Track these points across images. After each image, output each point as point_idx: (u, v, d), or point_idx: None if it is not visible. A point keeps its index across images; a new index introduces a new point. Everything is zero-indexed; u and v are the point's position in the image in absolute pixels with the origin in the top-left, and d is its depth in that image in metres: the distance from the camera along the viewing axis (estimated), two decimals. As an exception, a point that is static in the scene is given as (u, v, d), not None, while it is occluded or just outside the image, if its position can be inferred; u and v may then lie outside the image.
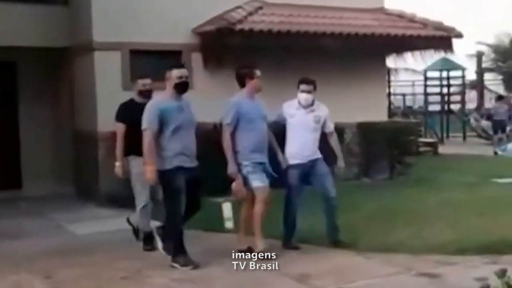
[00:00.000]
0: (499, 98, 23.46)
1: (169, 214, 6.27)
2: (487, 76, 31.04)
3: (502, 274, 2.81)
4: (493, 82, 33.99)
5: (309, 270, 6.05)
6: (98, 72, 10.96)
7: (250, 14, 11.82)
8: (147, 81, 7.33)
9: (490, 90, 32.24)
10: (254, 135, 6.56)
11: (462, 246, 6.67)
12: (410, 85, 32.85)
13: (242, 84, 6.73)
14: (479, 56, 28.73)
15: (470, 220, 7.95)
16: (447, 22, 13.15)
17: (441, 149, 18.32)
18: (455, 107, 25.95)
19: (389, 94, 24.75)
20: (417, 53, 13.67)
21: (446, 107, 24.80)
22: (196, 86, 11.01)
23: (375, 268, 6.16)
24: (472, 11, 60.96)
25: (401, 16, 13.33)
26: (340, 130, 12.25)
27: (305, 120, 6.98)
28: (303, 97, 7.03)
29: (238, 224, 6.85)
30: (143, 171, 6.41)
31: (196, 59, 11.67)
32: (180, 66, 6.58)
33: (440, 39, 12.89)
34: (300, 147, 6.89)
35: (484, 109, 25.57)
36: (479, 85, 27.20)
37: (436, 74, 26.33)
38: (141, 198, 7.06)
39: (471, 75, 28.51)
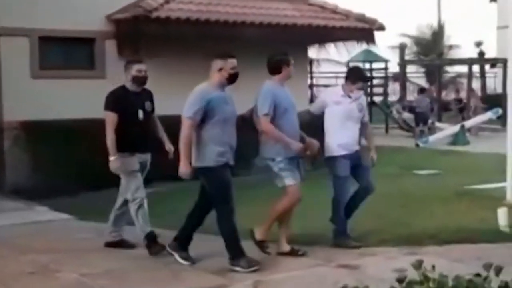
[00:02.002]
0: (421, 90, 24.28)
1: (222, 215, 6.00)
2: (410, 68, 31.99)
3: (418, 265, 2.90)
4: (416, 74, 35.12)
5: (225, 264, 6.12)
6: (3, 59, 10.70)
7: (167, 1, 11.82)
8: (143, 66, 6.75)
9: (412, 83, 33.30)
10: (289, 126, 6.35)
11: (382, 238, 6.94)
12: (333, 77, 33.51)
13: (277, 71, 6.46)
14: (402, 48, 29.52)
15: (391, 212, 8.27)
16: (370, 14, 13.56)
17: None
18: (377, 99, 26.67)
19: (311, 86, 25.22)
20: (339, 44, 14.02)
21: (368, 99, 25.45)
22: (110, 75, 10.94)
23: (295, 260, 6.31)
24: (395, 3, 62.52)
25: (323, 7, 13.64)
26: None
27: (351, 108, 6.86)
28: (356, 94, 6.92)
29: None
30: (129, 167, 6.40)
31: (110, 47, 11.59)
32: (232, 56, 6.28)
33: (362, 30, 13.29)
34: (348, 137, 6.81)
35: (407, 101, 26.34)
36: (401, 77, 27.99)
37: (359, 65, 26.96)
38: (137, 196, 6.58)
39: (394, 67, 29.34)
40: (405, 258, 5.99)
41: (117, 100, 6.60)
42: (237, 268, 5.91)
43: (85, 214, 8.70)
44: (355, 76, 6.99)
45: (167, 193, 10.05)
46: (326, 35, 13.16)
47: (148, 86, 6.88)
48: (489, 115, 20.77)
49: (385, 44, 22.03)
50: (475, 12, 54.99)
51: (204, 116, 5.90)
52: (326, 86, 32.30)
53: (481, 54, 30.43)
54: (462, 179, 11.05)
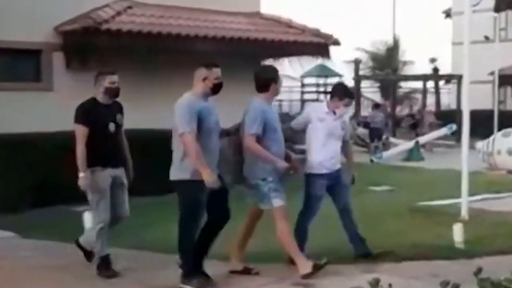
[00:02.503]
0: (376, 106, 24.59)
1: (186, 229, 5.91)
2: (364, 83, 32.40)
3: (375, 283, 2.90)
4: (370, 89, 35.57)
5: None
6: None
7: (119, 13, 11.74)
8: (116, 77, 6.53)
9: (367, 98, 33.71)
10: (277, 145, 6.25)
11: (339, 255, 6.89)
12: (287, 91, 33.73)
13: (265, 89, 6.29)
14: (357, 63, 29.96)
15: (323, 230, 8.19)
16: (324, 28, 13.67)
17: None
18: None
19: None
20: (294, 59, 14.10)
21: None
22: (57, 88, 10.78)
23: (247, 278, 6.26)
24: (349, 18, 63.45)
25: (278, 21, 13.71)
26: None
27: (334, 126, 6.78)
28: (342, 110, 6.81)
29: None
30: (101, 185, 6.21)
31: (58, 59, 11.42)
32: (216, 65, 6.18)
33: (318, 45, 13.39)
34: (330, 156, 6.73)
35: (361, 116, 26.68)
36: (356, 92, 28.35)
37: (313, 80, 27.27)
38: (102, 216, 6.35)
39: (348, 82, 29.68)
40: (361, 276, 6.01)
41: (88, 113, 6.35)
42: (187, 287, 5.82)
43: (29, 231, 8.48)
44: (342, 92, 6.89)
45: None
46: (280, 49, 13.21)
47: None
48: (444, 131, 21.12)
49: (340, 59, 22.31)
50: (430, 28, 56.21)
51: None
52: (279, 101, 32.73)
53: (435, 70, 31.03)
54: (417, 195, 11.17)
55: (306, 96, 26.71)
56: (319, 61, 14.75)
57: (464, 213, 8.78)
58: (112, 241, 7.37)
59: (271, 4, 15.58)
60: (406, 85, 35.25)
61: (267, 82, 6.31)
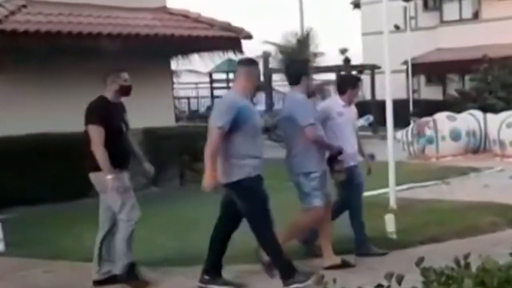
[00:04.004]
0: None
1: (263, 231, 5.95)
2: (276, 77, 32.78)
3: (320, 279, 3.00)
4: (282, 83, 36.03)
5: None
6: None
7: (13, 13, 11.46)
8: (127, 75, 6.49)
9: (279, 92, 34.11)
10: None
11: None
12: (194, 88, 33.75)
13: (297, 82, 6.57)
14: (265, 57, 30.28)
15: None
16: (234, 22, 13.77)
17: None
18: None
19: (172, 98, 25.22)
20: (204, 54, 14.14)
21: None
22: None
23: (177, 284, 6.38)
24: (258, 11, 64.06)
25: (186, 16, 13.71)
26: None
27: (352, 117, 7.23)
28: (355, 96, 7.24)
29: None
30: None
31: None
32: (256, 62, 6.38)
33: (228, 40, 13.46)
34: (354, 147, 7.10)
35: (275, 110, 26.98)
36: (267, 87, 28.65)
37: (222, 76, 27.39)
38: (133, 216, 6.26)
39: (261, 76, 29.99)
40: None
41: (102, 113, 6.26)
42: (297, 285, 5.78)
43: None
44: (353, 82, 7.37)
45: (19, 220, 9.73)
46: (190, 45, 13.23)
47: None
48: (360, 122, 21.64)
49: (251, 53, 22.46)
50: (339, 19, 57.43)
51: (232, 126, 5.94)
52: (188, 98, 32.70)
53: (347, 60, 31.76)
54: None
55: (216, 92, 26.78)
56: (230, 55, 14.80)
57: (392, 203, 9.10)
58: (27, 250, 7.30)
59: (176, -3, 15.49)
60: (318, 77, 35.90)
61: (299, 74, 6.56)
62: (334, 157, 6.63)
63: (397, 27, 27.50)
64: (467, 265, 3.30)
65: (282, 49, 37.67)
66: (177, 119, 21.76)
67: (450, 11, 29.02)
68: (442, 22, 29.02)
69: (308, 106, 6.51)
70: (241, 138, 5.89)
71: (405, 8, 26.09)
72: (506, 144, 15.70)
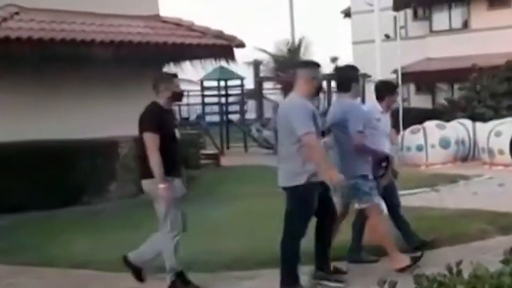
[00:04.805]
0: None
1: (295, 236, 6.04)
2: (267, 85, 32.84)
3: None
4: (273, 91, 36.09)
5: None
6: None
7: (5, 19, 11.47)
8: (178, 81, 6.57)
9: (270, 100, 34.17)
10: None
11: (260, 260, 7.07)
12: (185, 96, 33.67)
13: (348, 88, 6.71)
14: (256, 65, 30.36)
15: (264, 232, 8.33)
16: (227, 30, 13.80)
17: (223, 161, 18.99)
18: (234, 117, 27.14)
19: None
20: (196, 62, 14.17)
21: (225, 117, 25.89)
22: None
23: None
24: (251, 19, 64.19)
25: (178, 24, 13.73)
26: (115, 144, 12.41)
27: (388, 122, 7.39)
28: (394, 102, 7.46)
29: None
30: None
31: None
32: (319, 65, 6.41)
33: (221, 48, 13.49)
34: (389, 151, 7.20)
35: (265, 118, 27.04)
36: (258, 95, 28.72)
37: (213, 83, 27.39)
38: (176, 226, 6.25)
39: (252, 84, 30.03)
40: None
41: (157, 119, 6.23)
42: None
43: None
44: (391, 88, 7.55)
45: (8, 227, 9.76)
46: (182, 53, 13.26)
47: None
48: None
49: (242, 61, 22.55)
50: (331, 28, 57.59)
51: None
52: (178, 105, 32.61)
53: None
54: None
55: (207, 100, 26.79)
56: (222, 63, 14.85)
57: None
58: (15, 257, 7.29)
59: (169, 6, 15.54)
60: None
61: (348, 82, 6.68)
62: (379, 163, 6.87)
63: (387, 36, 27.59)
64: (459, 272, 3.33)
65: (274, 57, 37.81)
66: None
67: (440, 20, 29.13)
68: (432, 31, 29.12)
69: (359, 113, 6.66)
70: None
71: (395, 18, 26.17)
72: (494, 152, 15.79)
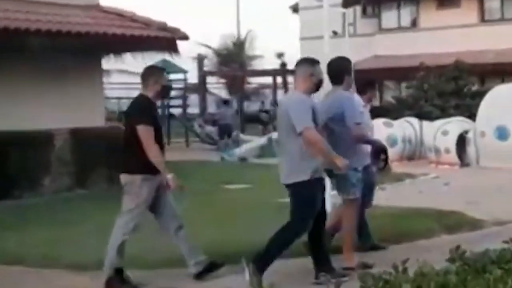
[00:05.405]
0: (225, 102, 24.99)
1: (296, 230, 6.19)
2: (211, 79, 32.77)
3: (257, 283, 3.02)
4: (217, 85, 36.07)
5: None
6: None
7: None
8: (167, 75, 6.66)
9: (213, 94, 34.16)
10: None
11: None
12: (126, 88, 33.46)
13: (340, 81, 6.83)
14: (200, 59, 30.31)
15: (207, 230, 8.27)
16: (171, 23, 13.66)
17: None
18: (176, 111, 27.00)
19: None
20: (138, 54, 14.02)
21: (166, 111, 25.71)
22: None
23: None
24: (197, 13, 63.97)
25: (120, 14, 13.54)
26: (49, 136, 12.20)
27: (368, 117, 7.55)
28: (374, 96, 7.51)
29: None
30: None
31: None
32: (318, 62, 6.49)
33: (164, 40, 13.35)
34: (369, 147, 7.14)
35: (208, 113, 27.02)
36: (201, 89, 28.66)
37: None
38: (131, 227, 6.31)
39: (195, 78, 29.93)
40: (232, 277, 6.36)
41: (150, 112, 6.33)
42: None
43: None
44: (372, 84, 7.95)
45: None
46: (124, 44, 13.09)
47: None
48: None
49: (187, 55, 22.41)
50: (279, 23, 57.87)
51: None
52: (118, 99, 32.35)
53: (283, 65, 32.00)
54: (275, 192, 11.44)
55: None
56: (165, 56, 14.74)
57: (328, 208, 9.14)
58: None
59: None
60: (255, 80, 36.08)
61: (341, 74, 6.81)
62: (377, 155, 7.13)
63: (335, 33, 27.76)
64: (405, 270, 3.35)
65: (217, 51, 37.76)
66: (107, 119, 21.57)
67: (389, 18, 29.50)
68: (381, 29, 29.49)
69: (355, 105, 6.82)
70: None
71: (343, 14, 26.36)
72: (441, 151, 16.07)
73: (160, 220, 6.51)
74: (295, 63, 6.64)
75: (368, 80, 7.99)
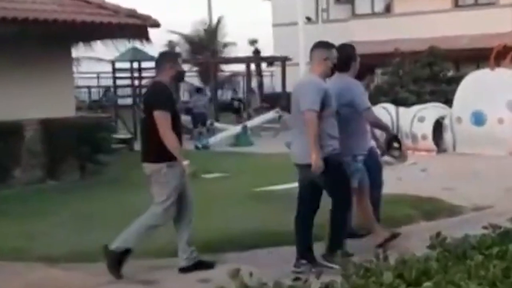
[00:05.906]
0: (198, 90, 24.93)
1: (342, 205, 6.47)
2: (183, 67, 32.61)
3: (235, 273, 2.99)
4: (189, 73, 35.89)
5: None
6: None
7: None
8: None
9: (186, 82, 33.99)
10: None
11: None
12: (95, 77, 33.29)
13: (346, 68, 6.93)
14: (172, 47, 30.18)
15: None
16: (143, 11, 13.53)
17: (137, 146, 18.70)
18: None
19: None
20: (108, 41, 13.90)
21: (138, 100, 25.55)
22: None
23: (78, 280, 6.30)
24: (169, 1, 63.46)
25: (88, 1, 13.38)
26: (19, 127, 12.09)
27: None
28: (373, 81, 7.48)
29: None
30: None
31: None
32: (334, 46, 6.62)
33: (135, 27, 13.23)
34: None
35: (181, 102, 26.88)
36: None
37: (126, 65, 26.94)
38: (170, 214, 6.41)
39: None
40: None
41: (169, 98, 6.36)
42: (331, 265, 5.90)
43: None
44: (370, 69, 7.75)
45: None
46: (92, 32, 12.99)
47: None
48: (271, 114, 21.80)
49: (158, 43, 22.25)
50: (251, 9, 57.70)
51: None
52: (88, 87, 32.15)
53: (257, 52, 31.94)
54: (252, 181, 11.54)
55: (119, 82, 26.38)
56: (136, 43, 14.64)
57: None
58: None
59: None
60: (228, 68, 35.98)
61: (347, 61, 6.91)
62: (390, 141, 7.34)
63: (308, 19, 27.80)
64: (386, 258, 3.36)
65: (189, 39, 37.55)
66: (77, 109, 21.41)
67: (362, 4, 29.55)
68: (354, 15, 29.54)
69: (361, 90, 7.00)
70: (324, 119, 6.26)
71: (317, 0, 26.45)
72: (418, 137, 16.15)
73: (180, 206, 6.52)
74: (311, 47, 6.71)
75: (368, 66, 8.13)
